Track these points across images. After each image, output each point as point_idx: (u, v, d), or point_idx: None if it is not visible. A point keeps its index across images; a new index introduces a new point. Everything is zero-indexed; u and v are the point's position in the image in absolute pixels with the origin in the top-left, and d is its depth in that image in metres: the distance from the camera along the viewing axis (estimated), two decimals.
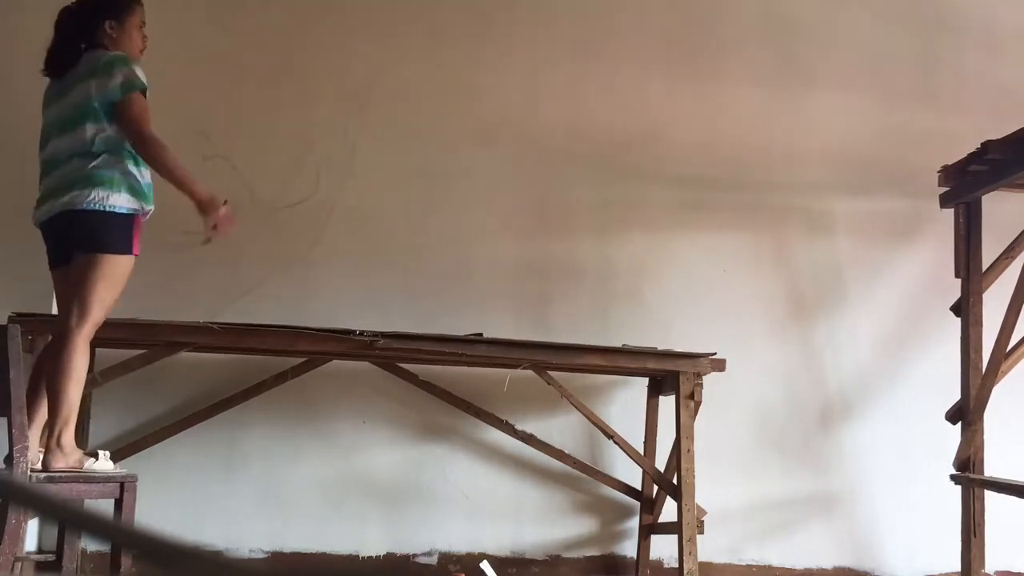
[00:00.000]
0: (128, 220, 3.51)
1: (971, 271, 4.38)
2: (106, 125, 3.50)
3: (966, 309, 4.38)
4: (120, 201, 3.49)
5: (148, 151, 3.50)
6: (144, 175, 3.56)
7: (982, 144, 4.14)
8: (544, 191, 5.14)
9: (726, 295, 5.13)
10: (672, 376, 4.53)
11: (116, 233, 3.48)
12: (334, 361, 4.71)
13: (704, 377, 4.50)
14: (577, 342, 4.60)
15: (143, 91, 3.53)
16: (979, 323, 4.36)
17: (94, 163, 3.47)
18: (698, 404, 4.49)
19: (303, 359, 4.67)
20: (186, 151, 4.93)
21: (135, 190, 3.52)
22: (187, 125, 5.00)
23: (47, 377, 3.43)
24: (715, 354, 4.51)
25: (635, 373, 4.82)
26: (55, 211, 3.52)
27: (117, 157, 3.50)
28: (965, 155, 4.25)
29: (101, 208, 3.45)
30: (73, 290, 3.47)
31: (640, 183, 5.19)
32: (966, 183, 4.36)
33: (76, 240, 3.48)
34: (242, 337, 4.27)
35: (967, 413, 4.32)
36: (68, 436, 3.39)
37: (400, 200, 4.71)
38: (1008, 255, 4.39)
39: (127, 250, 3.51)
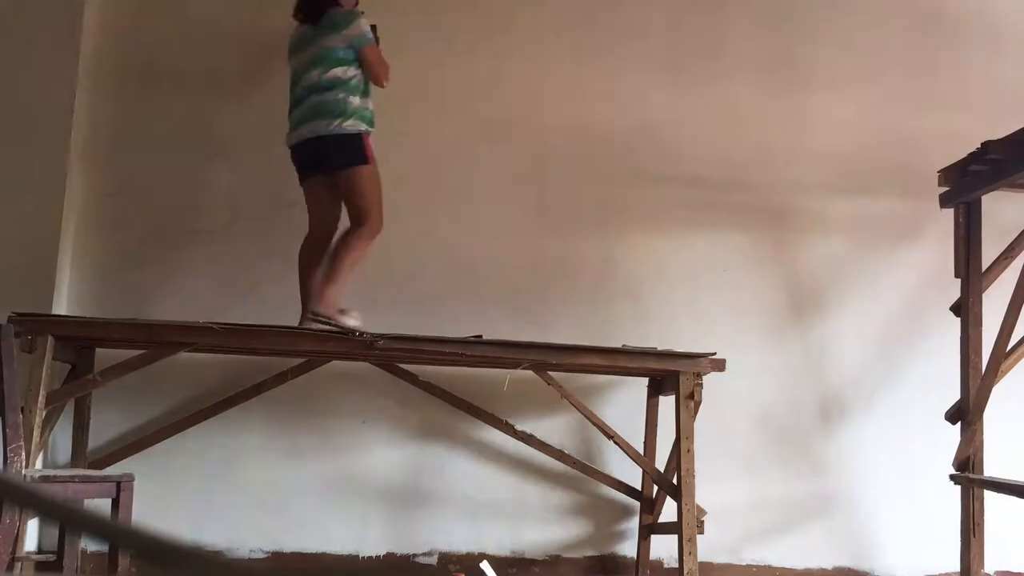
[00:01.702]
0: (364, 138, 4.47)
1: (971, 271, 4.38)
2: (348, 68, 4.45)
3: (966, 309, 4.38)
4: (360, 126, 4.45)
5: (383, 82, 4.55)
6: (368, 105, 4.52)
7: (982, 144, 4.14)
8: (544, 191, 5.14)
9: (726, 295, 5.13)
10: (672, 376, 4.53)
11: (360, 150, 4.44)
12: (334, 361, 4.72)
13: (704, 377, 4.50)
14: (577, 342, 4.60)
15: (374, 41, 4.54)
16: (979, 323, 4.35)
17: (338, 96, 4.41)
18: (698, 404, 4.48)
19: (303, 359, 4.67)
20: (187, 150, 4.98)
21: (364, 117, 4.48)
22: (187, 124, 5.01)
23: (336, 248, 4.42)
24: (715, 354, 4.50)
25: (635, 373, 4.82)
26: (305, 136, 4.45)
27: (353, 92, 4.45)
28: (965, 155, 4.25)
29: (345, 132, 4.41)
30: (348, 204, 4.48)
31: (641, 183, 5.19)
32: (966, 183, 4.36)
33: (333, 160, 4.43)
34: (242, 337, 4.27)
35: (967, 413, 4.31)
36: (334, 294, 4.35)
37: (400, 200, 4.70)
38: (1008, 255, 4.39)
39: (369, 160, 4.46)
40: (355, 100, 4.46)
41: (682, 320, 5.03)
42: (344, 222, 4.60)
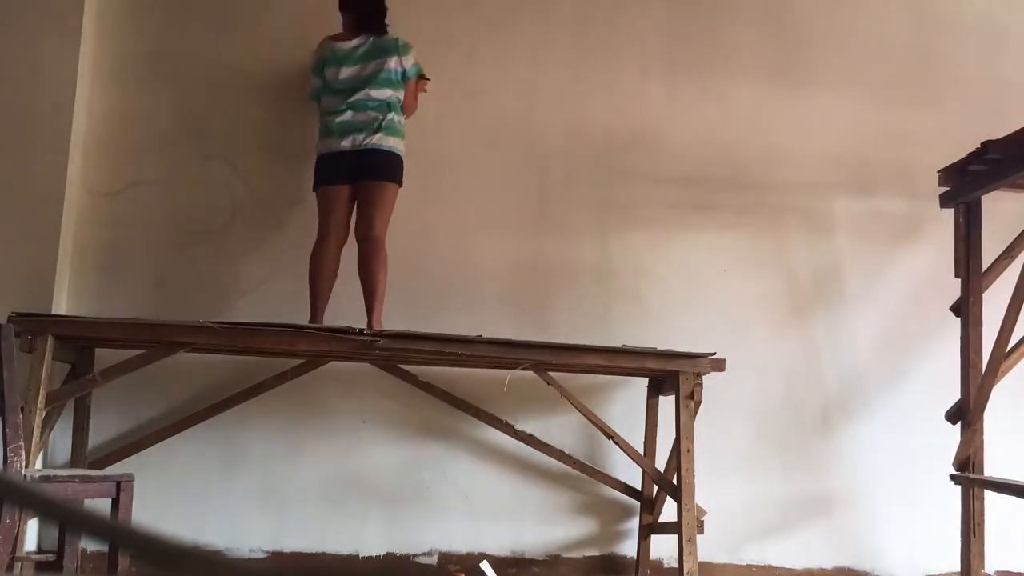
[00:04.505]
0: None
1: (971, 271, 4.37)
2: (400, 90, 4.76)
3: (966, 309, 4.37)
4: (402, 147, 4.72)
5: (410, 114, 4.88)
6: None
7: (982, 144, 4.13)
8: (544, 191, 5.14)
9: (726, 295, 5.13)
10: (672, 376, 4.53)
11: (401, 171, 4.72)
12: (333, 361, 4.72)
13: (704, 377, 4.50)
14: (577, 342, 4.59)
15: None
16: (979, 323, 4.34)
17: (395, 116, 4.71)
18: (698, 404, 4.48)
19: (303, 360, 4.67)
20: (187, 150, 4.98)
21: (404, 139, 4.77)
22: (187, 124, 5.01)
23: (369, 272, 4.56)
24: (715, 354, 4.50)
25: (635, 373, 4.81)
26: (357, 146, 4.64)
27: (401, 113, 4.76)
28: (965, 155, 4.25)
29: (398, 152, 4.70)
30: (371, 208, 4.64)
31: (640, 183, 5.19)
32: (966, 183, 4.35)
33: (380, 171, 4.66)
34: (242, 337, 4.27)
35: (967, 413, 4.31)
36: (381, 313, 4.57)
37: (400, 200, 4.72)
38: (1008, 255, 4.38)
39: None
40: (402, 121, 4.78)
41: (682, 320, 5.02)
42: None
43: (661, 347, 4.61)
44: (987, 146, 4.11)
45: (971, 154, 4.21)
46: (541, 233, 5.10)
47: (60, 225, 4.70)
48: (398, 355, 4.50)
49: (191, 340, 4.24)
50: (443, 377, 4.81)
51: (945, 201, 4.48)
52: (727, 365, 4.50)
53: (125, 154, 4.96)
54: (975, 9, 5.49)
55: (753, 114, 5.28)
